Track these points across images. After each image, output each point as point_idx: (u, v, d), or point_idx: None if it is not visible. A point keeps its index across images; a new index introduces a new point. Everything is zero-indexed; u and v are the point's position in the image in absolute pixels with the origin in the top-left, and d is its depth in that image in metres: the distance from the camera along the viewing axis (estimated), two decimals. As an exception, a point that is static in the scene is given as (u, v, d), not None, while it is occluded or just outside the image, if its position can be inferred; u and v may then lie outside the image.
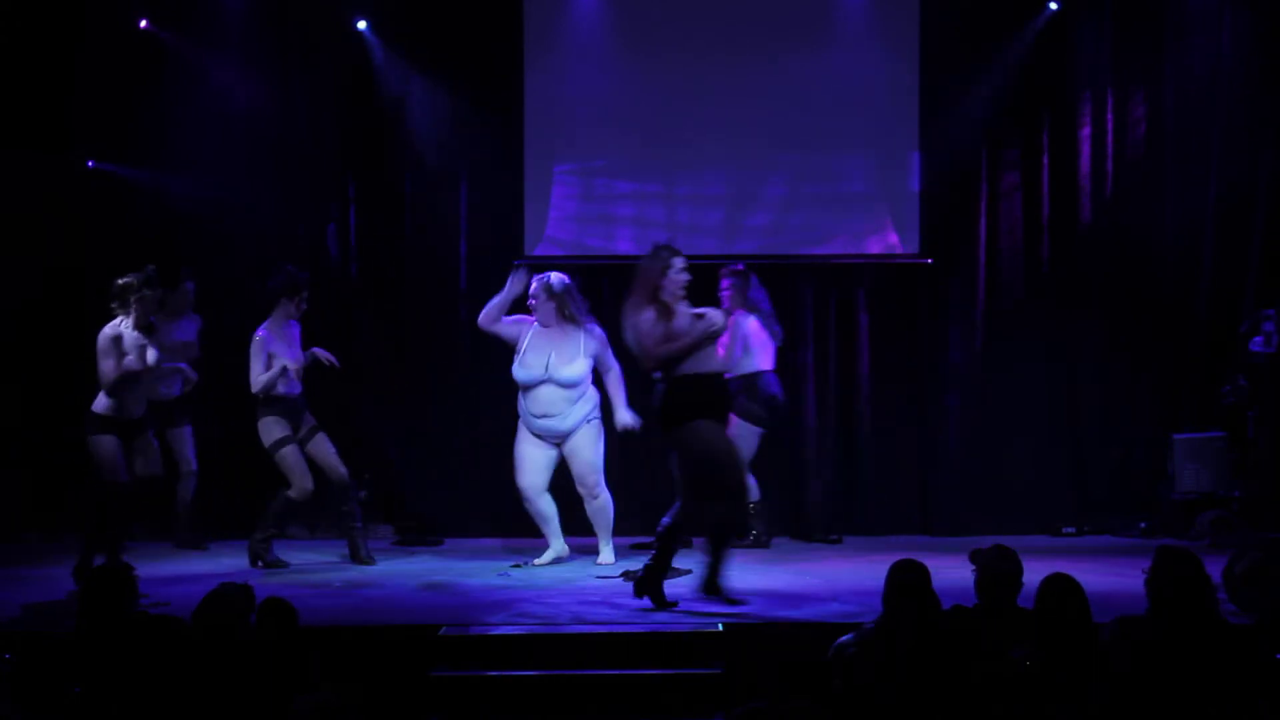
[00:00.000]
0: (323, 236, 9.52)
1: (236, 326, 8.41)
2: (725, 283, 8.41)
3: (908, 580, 4.57)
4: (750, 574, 7.42)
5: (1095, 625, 4.45)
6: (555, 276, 7.82)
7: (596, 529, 7.95)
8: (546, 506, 7.94)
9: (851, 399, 9.59)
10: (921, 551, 6.48)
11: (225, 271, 9.21)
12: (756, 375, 8.36)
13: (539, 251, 9.45)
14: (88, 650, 4.73)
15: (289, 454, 7.93)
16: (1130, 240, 9.51)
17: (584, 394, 7.79)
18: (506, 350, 7.87)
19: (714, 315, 6.65)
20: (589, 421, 7.80)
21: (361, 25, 9.49)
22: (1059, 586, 4.47)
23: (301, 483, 7.94)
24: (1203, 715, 4.12)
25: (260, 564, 7.88)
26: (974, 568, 4.91)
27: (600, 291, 8.82)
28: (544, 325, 7.76)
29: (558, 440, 7.81)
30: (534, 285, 7.81)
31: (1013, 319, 9.52)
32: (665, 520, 6.55)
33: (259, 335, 7.90)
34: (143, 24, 9.29)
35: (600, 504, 7.85)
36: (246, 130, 9.44)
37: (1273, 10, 9.35)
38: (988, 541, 5.09)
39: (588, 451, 7.79)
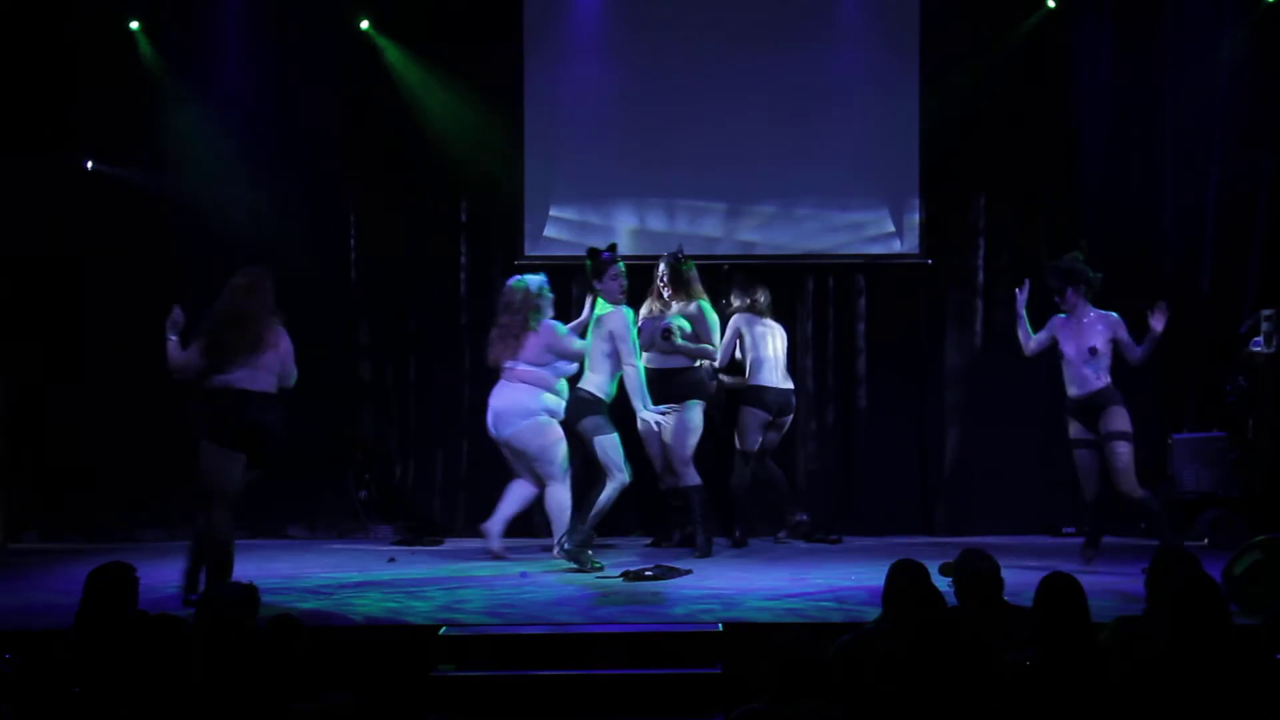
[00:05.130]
0: (323, 237, 9.52)
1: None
2: None
3: (907, 580, 4.57)
4: (751, 574, 7.42)
5: (1095, 625, 4.45)
6: None
7: None
8: None
9: (851, 399, 9.59)
10: (921, 551, 6.50)
11: (224, 273, 9.19)
12: None
13: (539, 252, 9.45)
14: (88, 650, 4.73)
15: None
16: (1130, 240, 9.50)
17: None
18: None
19: None
20: None
21: (363, 25, 9.50)
22: (1059, 586, 4.46)
23: None
24: (1203, 716, 4.11)
25: None
26: (950, 580, 4.86)
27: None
28: None
29: None
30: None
31: (1012, 319, 9.50)
32: None
33: None
34: (135, 25, 9.30)
35: None
36: (246, 131, 9.43)
37: (1273, 11, 9.35)
38: (989, 541, 5.10)
39: None
